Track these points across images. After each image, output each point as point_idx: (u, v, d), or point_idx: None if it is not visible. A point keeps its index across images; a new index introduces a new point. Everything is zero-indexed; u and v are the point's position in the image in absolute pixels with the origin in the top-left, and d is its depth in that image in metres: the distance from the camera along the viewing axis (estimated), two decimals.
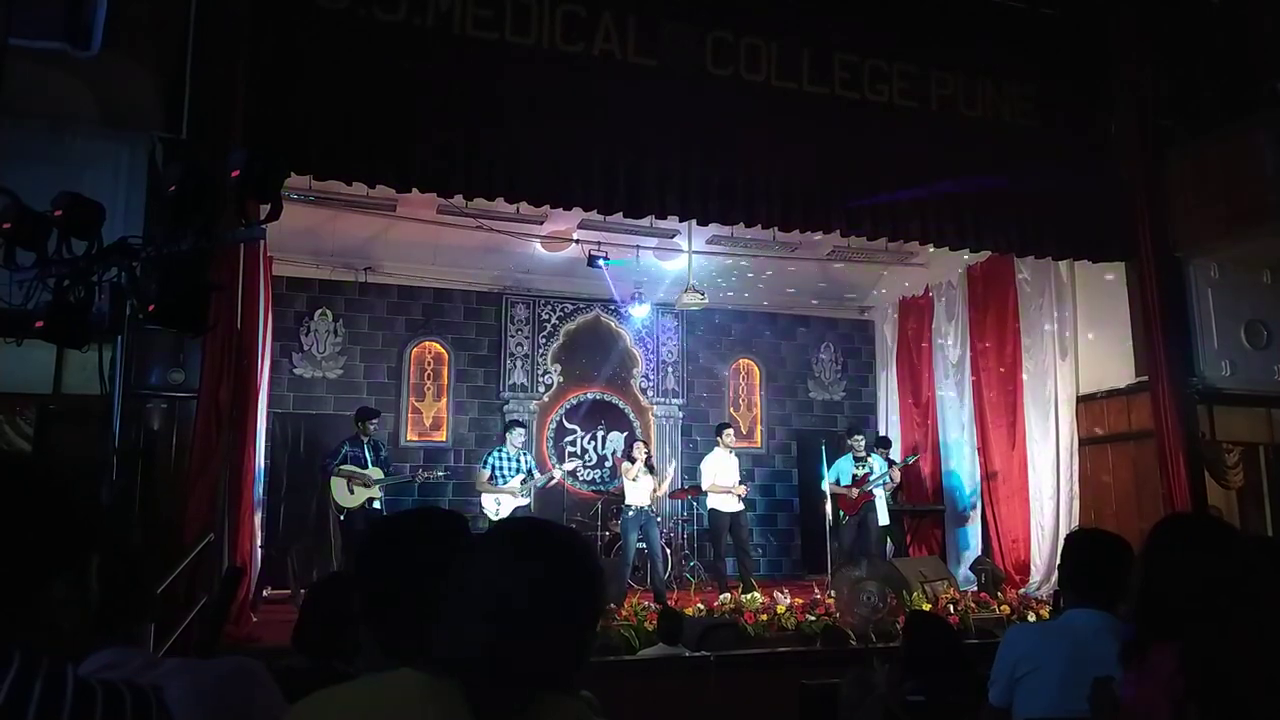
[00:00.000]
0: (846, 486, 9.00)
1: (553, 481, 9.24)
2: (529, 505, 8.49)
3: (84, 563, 1.25)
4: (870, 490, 8.92)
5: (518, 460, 8.47)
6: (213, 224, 3.71)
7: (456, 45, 6.33)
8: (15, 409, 6.03)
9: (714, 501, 8.85)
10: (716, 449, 9.14)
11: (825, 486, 9.12)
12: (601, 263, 9.36)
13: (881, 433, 11.14)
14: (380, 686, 1.23)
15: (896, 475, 9.45)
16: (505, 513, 8.15)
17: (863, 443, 9.20)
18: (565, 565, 1.26)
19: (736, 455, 9.21)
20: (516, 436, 8.59)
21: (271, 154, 5.60)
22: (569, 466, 9.68)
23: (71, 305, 3.51)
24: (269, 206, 3.94)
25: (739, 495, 8.77)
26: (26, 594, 1.18)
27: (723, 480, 8.81)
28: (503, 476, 8.36)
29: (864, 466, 9.05)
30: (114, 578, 1.76)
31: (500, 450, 8.54)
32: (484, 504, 8.37)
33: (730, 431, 9.20)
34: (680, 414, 11.27)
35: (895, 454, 10.41)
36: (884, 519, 9.02)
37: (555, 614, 1.21)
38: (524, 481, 8.40)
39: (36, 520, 1.19)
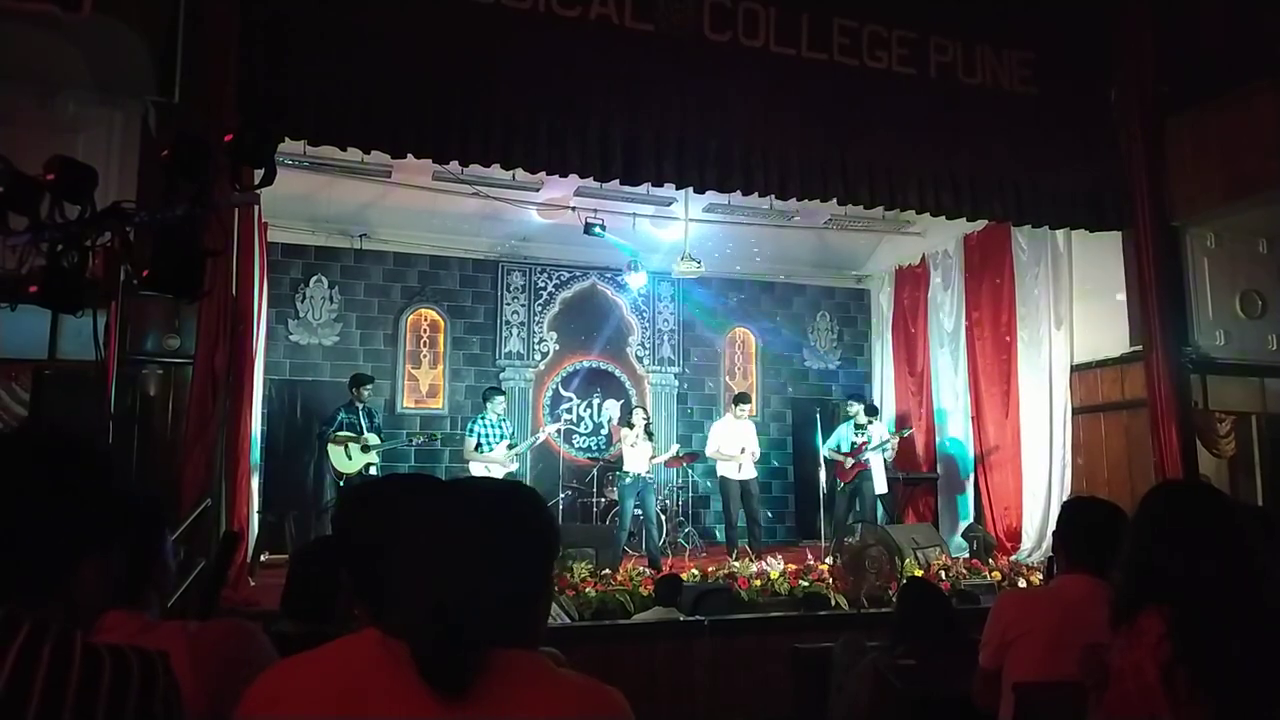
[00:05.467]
0: (844, 454, 9.04)
1: (539, 440, 9.29)
2: (517, 470, 8.53)
3: (115, 546, 1.26)
4: (865, 459, 8.95)
5: (500, 427, 8.53)
6: (206, 189, 3.69)
7: (451, 10, 6.24)
8: (11, 374, 6.03)
9: (721, 469, 8.93)
10: (726, 416, 9.19)
11: (823, 453, 9.19)
12: (597, 230, 9.33)
13: (875, 402, 11.17)
14: (342, 649, 1.23)
15: (894, 445, 9.48)
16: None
17: (861, 409, 9.22)
18: (511, 521, 1.26)
19: (750, 422, 9.21)
20: (497, 404, 8.64)
21: (264, 119, 5.61)
22: (555, 426, 9.74)
23: (65, 270, 3.49)
24: (263, 172, 3.92)
25: (740, 463, 8.80)
26: (58, 576, 1.19)
27: (727, 448, 8.85)
28: (488, 444, 8.41)
29: (863, 434, 9.07)
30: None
31: (482, 418, 8.58)
32: (473, 472, 8.41)
33: (745, 406, 9.20)
34: (676, 382, 11.29)
35: (890, 424, 10.47)
36: (881, 487, 9.04)
37: (503, 570, 1.21)
38: (509, 447, 8.45)
39: (78, 502, 1.20)
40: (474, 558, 1.20)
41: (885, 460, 9.17)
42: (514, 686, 1.16)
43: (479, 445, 8.41)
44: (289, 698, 1.19)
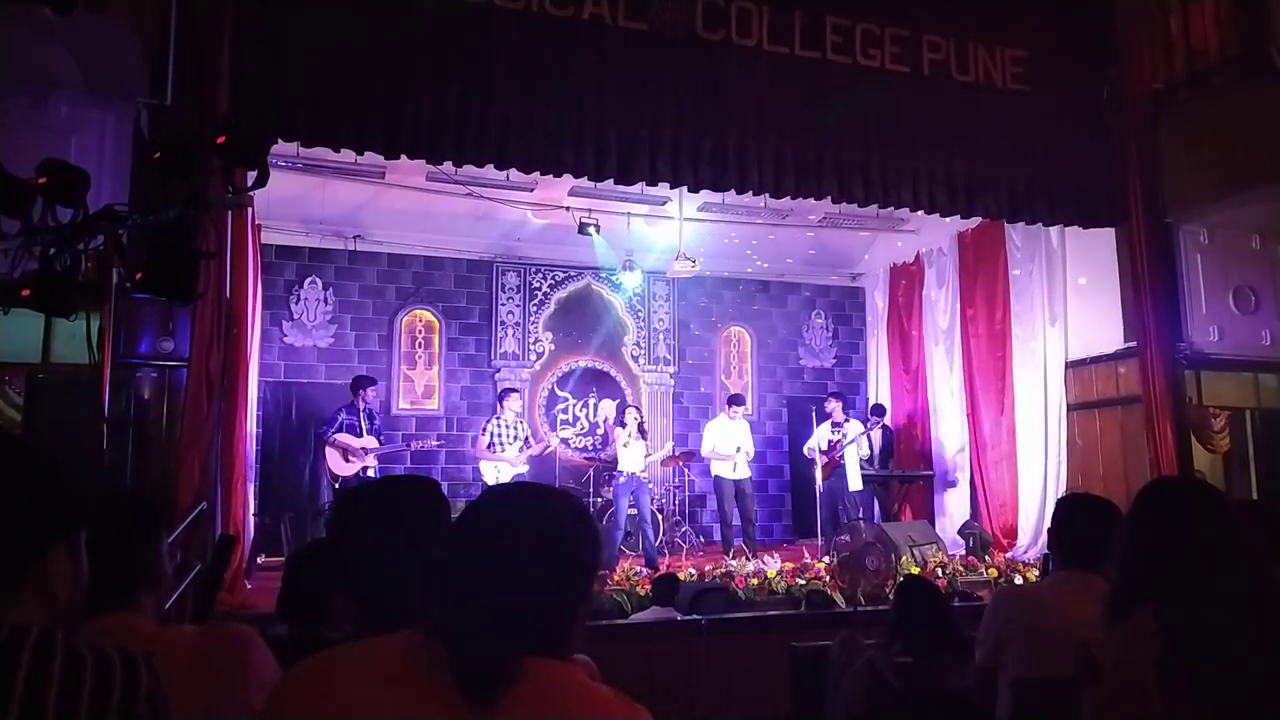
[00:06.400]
0: (820, 452, 9.07)
1: (548, 450, 9.30)
2: (526, 472, 8.53)
3: (76, 535, 1.26)
4: (840, 456, 8.96)
5: (515, 428, 8.52)
6: (199, 191, 3.68)
7: (445, 10, 6.24)
8: (4, 378, 6.02)
9: (715, 469, 8.95)
10: (720, 416, 9.22)
11: (804, 452, 9.24)
12: (590, 231, 9.33)
13: (872, 399, 11.19)
14: (379, 648, 1.23)
15: (865, 441, 9.42)
16: (505, 480, 8.19)
17: (839, 406, 9.22)
18: (556, 529, 1.25)
19: (744, 422, 9.26)
20: (514, 403, 8.62)
21: (257, 120, 5.60)
22: (564, 435, 9.81)
23: (58, 273, 3.48)
24: (255, 173, 3.92)
25: (735, 463, 8.81)
26: (26, 564, 1.18)
27: (721, 447, 8.87)
28: (501, 445, 8.40)
29: (839, 432, 9.08)
30: (114, 549, 1.78)
31: (498, 419, 8.57)
32: (483, 472, 8.43)
33: (739, 409, 9.22)
34: (672, 382, 11.29)
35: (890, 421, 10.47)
36: (854, 484, 9.05)
37: (545, 577, 1.21)
38: (522, 449, 8.44)
39: (33, 492, 1.20)
40: (515, 565, 1.20)
41: (860, 456, 9.18)
42: (546, 697, 1.16)
43: (491, 445, 8.40)
44: (323, 693, 1.19)
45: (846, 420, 9.21)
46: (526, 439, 8.57)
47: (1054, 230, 8.71)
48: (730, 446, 8.85)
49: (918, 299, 10.90)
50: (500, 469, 8.29)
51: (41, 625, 1.14)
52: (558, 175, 6.75)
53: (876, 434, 9.69)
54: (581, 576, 1.28)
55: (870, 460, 9.50)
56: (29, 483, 1.20)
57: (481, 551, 1.22)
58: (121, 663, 1.16)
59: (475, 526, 1.26)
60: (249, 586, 6.25)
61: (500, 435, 8.43)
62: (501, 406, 8.67)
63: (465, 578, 1.20)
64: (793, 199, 7.54)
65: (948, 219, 8.25)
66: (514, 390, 8.94)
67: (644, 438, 8.73)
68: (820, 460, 9.03)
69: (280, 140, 6.10)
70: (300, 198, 8.84)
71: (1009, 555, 8.50)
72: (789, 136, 7.01)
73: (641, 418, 8.97)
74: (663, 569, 7.51)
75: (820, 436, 9.17)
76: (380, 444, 8.24)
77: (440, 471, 9.80)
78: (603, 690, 1.23)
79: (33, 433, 5.86)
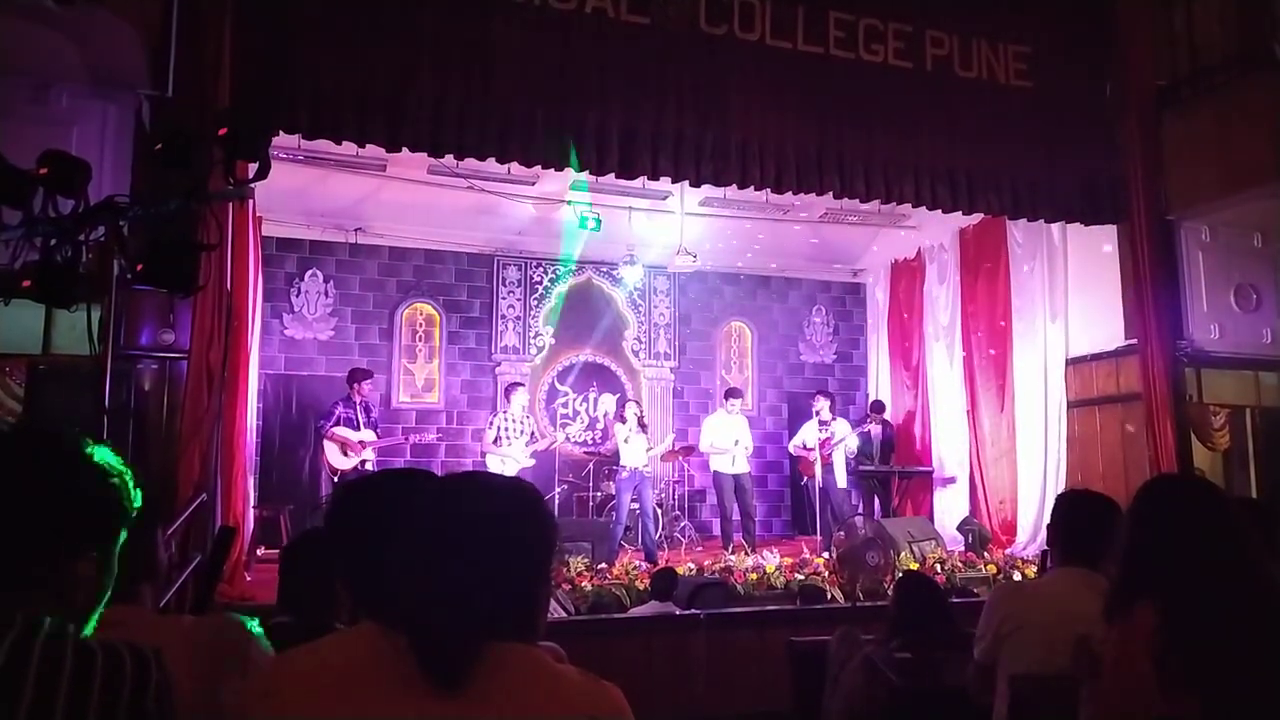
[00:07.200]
0: (807, 450, 9.08)
1: (553, 445, 9.33)
2: (532, 466, 8.56)
3: (111, 544, 1.26)
4: (829, 454, 8.97)
5: (521, 423, 8.54)
6: (200, 183, 3.68)
7: (446, 3, 6.24)
8: (5, 369, 6.02)
9: (714, 464, 8.96)
10: (719, 411, 9.23)
11: (790, 449, 9.24)
12: (590, 226, 9.33)
13: (872, 395, 11.19)
14: (340, 642, 1.24)
15: (853, 440, 9.42)
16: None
17: (826, 406, 9.23)
18: (510, 513, 1.26)
19: (743, 417, 9.28)
20: (521, 398, 8.64)
21: (258, 113, 5.59)
22: (568, 430, 9.93)
23: (59, 264, 3.48)
24: (256, 165, 3.91)
25: (734, 456, 8.82)
26: (52, 570, 1.19)
27: (720, 442, 8.87)
28: (508, 439, 8.42)
29: (827, 430, 9.09)
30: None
31: (504, 413, 8.59)
32: (489, 466, 8.44)
33: (736, 401, 9.24)
34: (672, 377, 11.29)
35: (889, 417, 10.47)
36: (841, 482, 9.05)
37: (500, 564, 1.22)
38: (528, 443, 8.47)
39: (73, 501, 1.21)
40: (473, 552, 1.21)
41: (847, 453, 9.19)
42: (511, 680, 1.17)
43: (498, 439, 8.42)
44: (288, 691, 1.19)
45: (834, 419, 9.23)
46: (533, 433, 8.60)
47: (1055, 227, 8.70)
48: (728, 440, 8.85)
49: (919, 295, 10.89)
50: (506, 463, 8.31)
51: (54, 620, 1.14)
52: (559, 169, 6.74)
53: (877, 430, 9.70)
54: (538, 559, 1.29)
55: (870, 456, 9.53)
56: (71, 492, 1.21)
57: (437, 539, 1.22)
58: (131, 658, 1.17)
59: (430, 515, 1.27)
60: (249, 579, 6.26)
61: (507, 430, 8.46)
62: (508, 401, 8.69)
63: (424, 566, 1.20)
64: (794, 194, 7.53)
65: (949, 215, 8.23)
66: (520, 385, 8.96)
67: (644, 431, 8.74)
68: (808, 457, 9.03)
69: (282, 132, 6.09)
70: (301, 190, 8.83)
71: (1008, 551, 8.51)
72: (791, 132, 7.00)
73: (641, 412, 8.98)
74: (662, 563, 7.52)
75: (806, 434, 9.19)
76: (378, 437, 8.24)
77: (440, 465, 9.81)
78: (568, 670, 1.24)
79: (31, 422, 5.86)
